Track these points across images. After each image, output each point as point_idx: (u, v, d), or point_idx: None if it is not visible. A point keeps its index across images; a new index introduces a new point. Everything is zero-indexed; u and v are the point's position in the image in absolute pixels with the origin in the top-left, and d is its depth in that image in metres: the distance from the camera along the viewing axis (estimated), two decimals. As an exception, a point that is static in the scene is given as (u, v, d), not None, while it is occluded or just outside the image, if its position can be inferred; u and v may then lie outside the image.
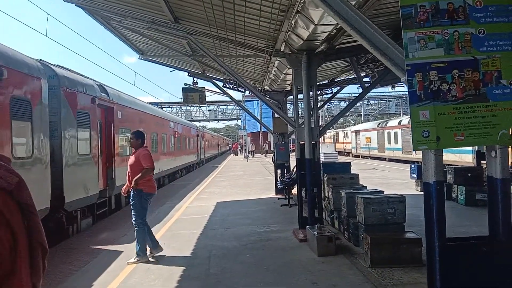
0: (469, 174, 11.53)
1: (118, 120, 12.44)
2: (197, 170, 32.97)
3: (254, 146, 55.67)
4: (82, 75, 10.85)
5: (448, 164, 17.28)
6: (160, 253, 7.17)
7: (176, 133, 23.97)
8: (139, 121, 15.35)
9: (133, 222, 6.98)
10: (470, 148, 18.14)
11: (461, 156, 20.26)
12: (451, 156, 20.75)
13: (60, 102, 8.77)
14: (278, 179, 14.25)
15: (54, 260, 7.28)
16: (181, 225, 9.93)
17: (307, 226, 7.58)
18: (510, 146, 3.41)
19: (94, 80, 11.41)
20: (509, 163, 11.87)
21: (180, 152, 25.33)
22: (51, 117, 8.38)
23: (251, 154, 50.87)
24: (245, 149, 47.99)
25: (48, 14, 11.94)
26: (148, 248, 7.04)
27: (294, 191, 11.90)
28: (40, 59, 8.79)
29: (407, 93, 3.38)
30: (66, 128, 8.98)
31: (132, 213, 6.97)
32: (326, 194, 9.22)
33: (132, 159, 7.07)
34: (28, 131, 7.27)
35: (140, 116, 15.61)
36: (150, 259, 6.94)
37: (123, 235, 9.12)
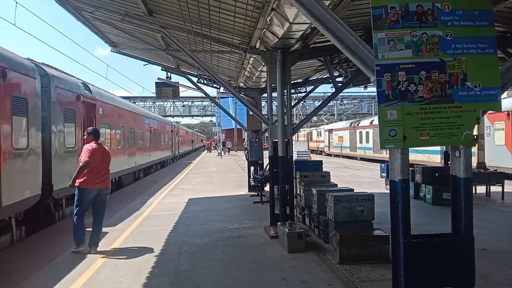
0: (437, 174, 11.87)
1: (99, 115, 13.11)
2: (171, 166, 32.97)
3: (230, 143, 54.55)
4: (68, 74, 11.50)
5: (417, 164, 17.73)
6: (130, 251, 7.17)
7: (152, 128, 24.33)
8: (117, 117, 15.92)
9: (73, 215, 7.29)
10: (439, 148, 18.68)
11: (430, 156, 20.83)
12: (420, 156, 21.30)
13: (50, 100, 9.48)
14: (251, 176, 14.28)
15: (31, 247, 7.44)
16: (152, 221, 9.81)
17: (278, 223, 7.63)
18: (474, 147, 3.52)
19: (78, 79, 12.07)
20: (476, 163, 12.15)
21: (155, 148, 25.70)
22: (42, 112, 8.99)
23: (228, 151, 50.19)
24: (219, 146, 47.73)
25: (16, 2, 11.57)
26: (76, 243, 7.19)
27: (267, 188, 11.95)
28: (28, 58, 9.08)
29: (376, 92, 3.44)
30: (54, 123, 9.72)
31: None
32: (298, 192, 9.30)
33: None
34: (25, 126, 8.01)
35: (118, 111, 16.16)
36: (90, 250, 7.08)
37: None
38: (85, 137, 7.59)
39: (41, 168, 8.75)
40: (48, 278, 5.89)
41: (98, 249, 7.13)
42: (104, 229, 8.42)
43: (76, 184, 7.08)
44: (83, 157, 7.09)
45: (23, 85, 8.00)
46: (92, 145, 7.25)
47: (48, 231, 9.39)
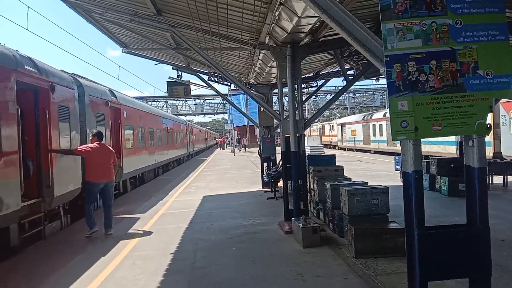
0: (452, 165, 11.72)
1: (124, 118, 14.59)
2: (187, 163, 33.73)
3: (246, 139, 52.22)
4: (97, 83, 13.10)
5: (432, 156, 17.51)
6: (147, 250, 7.30)
7: (168, 128, 25.63)
8: (139, 118, 17.34)
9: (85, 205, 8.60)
10: (454, 139, 18.41)
11: (445, 148, 20.56)
12: (435, 148, 21.04)
13: (84, 106, 10.87)
14: (264, 172, 14.29)
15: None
16: (167, 219, 9.91)
17: (293, 218, 7.63)
18: (488, 136, 3.45)
19: (105, 86, 13.64)
20: (493, 153, 11.93)
21: (172, 146, 26.91)
22: (79, 117, 10.29)
23: (244, 149, 48.91)
24: (231, 143, 47.60)
25: (28, 7, 11.75)
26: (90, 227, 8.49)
27: (281, 184, 11.95)
28: (61, 70, 10.01)
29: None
30: (89, 126, 11.13)
31: None
32: (312, 186, 9.28)
33: None
34: (68, 130, 9.38)
35: (139, 114, 17.59)
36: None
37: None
38: (90, 138, 8.96)
39: (81, 165, 9.78)
40: (68, 277, 5.99)
41: (116, 247, 7.32)
42: (121, 228, 8.68)
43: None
44: (79, 147, 8.79)
45: (65, 96, 9.31)
46: (94, 144, 8.65)
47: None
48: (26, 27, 12.06)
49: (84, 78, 12.11)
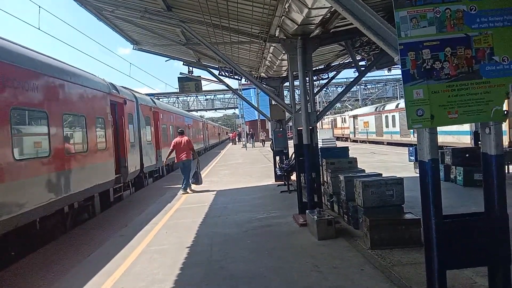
0: (467, 155, 11.57)
1: (161, 119, 20.09)
2: (204, 155, 36.80)
3: (264, 134, 48.84)
4: (142, 94, 18.48)
5: (446, 146, 17.31)
6: (164, 244, 7.41)
7: (190, 125, 31.21)
8: (170, 119, 23.31)
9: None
10: (468, 128, 18.17)
11: (459, 138, 20.30)
12: (449, 138, 20.79)
13: (138, 113, 15.70)
14: (277, 166, 14.29)
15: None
16: (182, 213, 9.99)
17: (307, 211, 7.63)
18: (504, 122, 3.41)
19: (148, 95, 19.82)
20: (508, 142, 11.71)
21: (193, 140, 30.06)
22: (136, 120, 15.18)
23: (262, 144, 45.67)
24: (243, 138, 47.35)
25: (39, 7, 11.89)
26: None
27: (294, 177, 11.94)
28: (110, 82, 13.52)
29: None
30: (142, 127, 16.08)
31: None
32: (325, 179, 9.26)
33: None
34: (132, 129, 14.44)
35: (170, 115, 23.73)
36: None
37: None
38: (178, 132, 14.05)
39: (139, 155, 15.14)
40: (86, 271, 6.11)
41: (133, 240, 7.42)
42: (136, 223, 8.76)
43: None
44: (171, 144, 13.67)
45: (131, 107, 14.46)
46: (176, 139, 13.45)
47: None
48: (38, 27, 12.17)
49: (136, 91, 16.87)
